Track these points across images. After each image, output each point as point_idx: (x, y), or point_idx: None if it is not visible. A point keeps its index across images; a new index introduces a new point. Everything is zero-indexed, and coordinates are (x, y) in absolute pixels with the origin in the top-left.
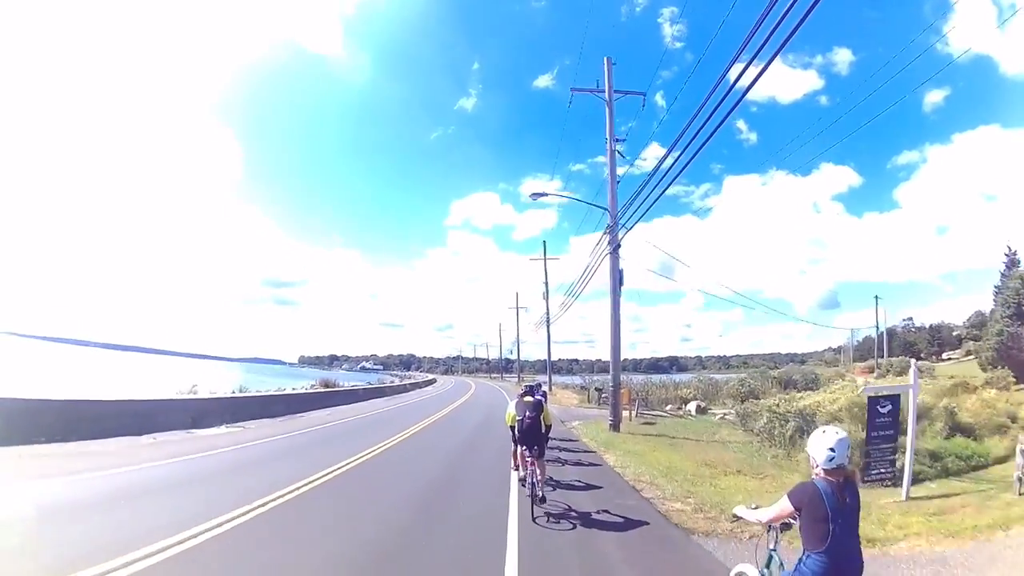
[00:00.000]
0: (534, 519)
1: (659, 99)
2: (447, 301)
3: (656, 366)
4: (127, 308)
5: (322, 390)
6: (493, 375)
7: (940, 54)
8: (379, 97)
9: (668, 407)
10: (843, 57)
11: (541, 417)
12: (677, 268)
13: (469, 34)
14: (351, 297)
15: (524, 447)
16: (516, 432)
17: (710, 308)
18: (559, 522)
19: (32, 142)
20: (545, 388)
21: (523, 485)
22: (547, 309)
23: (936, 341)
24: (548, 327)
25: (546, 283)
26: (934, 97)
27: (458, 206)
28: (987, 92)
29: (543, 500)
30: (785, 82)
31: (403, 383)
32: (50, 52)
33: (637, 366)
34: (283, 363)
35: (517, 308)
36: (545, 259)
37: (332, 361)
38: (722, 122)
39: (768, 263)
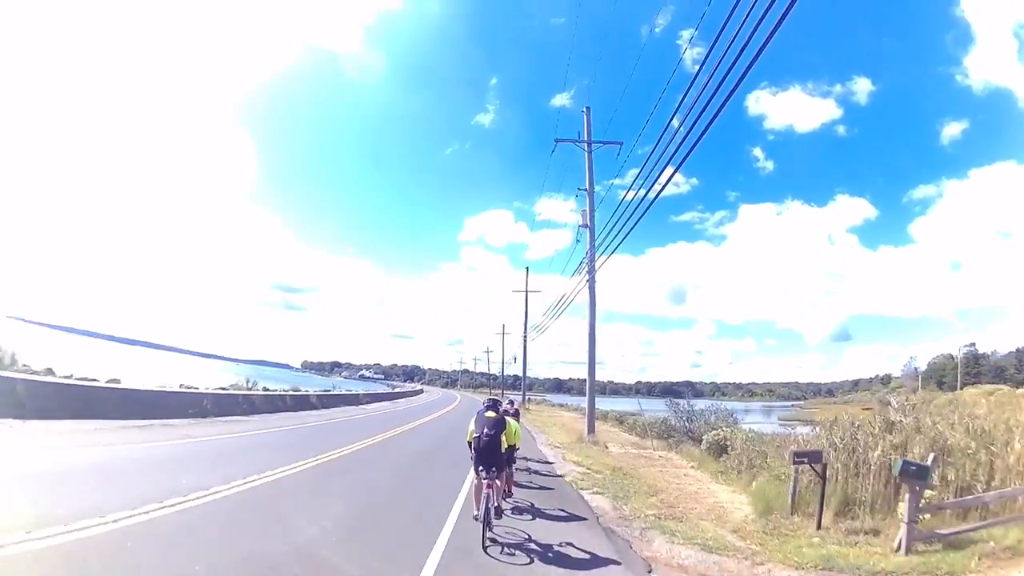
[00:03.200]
0: (485, 549)
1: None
2: (459, 316)
3: (671, 391)
4: (137, 304)
5: None
6: (493, 391)
7: (959, 86)
8: (396, 109)
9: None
10: (863, 86)
11: (503, 435)
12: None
13: (488, 49)
14: (361, 306)
15: (481, 467)
16: (472, 450)
17: (722, 335)
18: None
19: (54, 139)
20: (512, 405)
21: (476, 520)
22: (591, 245)
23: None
24: (592, 292)
25: (589, 192)
26: (952, 130)
27: (472, 222)
28: (1005, 127)
29: (499, 514)
30: (803, 111)
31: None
32: (72, 52)
33: (651, 390)
34: (290, 367)
35: (527, 289)
36: (590, 149)
37: (333, 368)
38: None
39: (781, 293)
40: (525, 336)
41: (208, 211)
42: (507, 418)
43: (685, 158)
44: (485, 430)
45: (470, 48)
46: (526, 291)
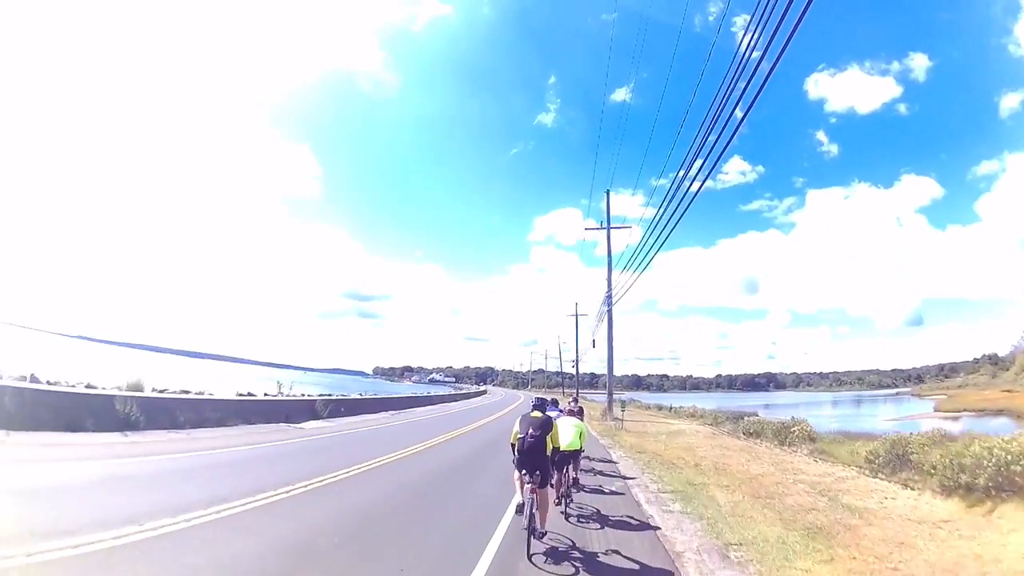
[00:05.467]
0: (530, 558)
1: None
2: (532, 316)
3: (752, 383)
4: (216, 320)
5: None
6: (567, 390)
7: (1013, 56)
8: (456, 113)
9: None
10: (920, 63)
11: (548, 438)
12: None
13: (544, 49)
14: (434, 311)
15: (524, 471)
16: (516, 452)
17: (795, 325)
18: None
19: (137, 161)
20: (575, 403)
21: (519, 514)
22: None
23: None
24: None
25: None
26: (1010, 102)
27: (541, 222)
28: None
29: (543, 535)
30: (863, 91)
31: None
32: (144, 85)
33: (732, 383)
34: (366, 374)
35: (608, 225)
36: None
37: (404, 372)
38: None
39: (852, 279)
40: (609, 294)
41: (278, 226)
42: (567, 419)
43: (734, 134)
44: (530, 431)
45: (526, 48)
46: (608, 225)
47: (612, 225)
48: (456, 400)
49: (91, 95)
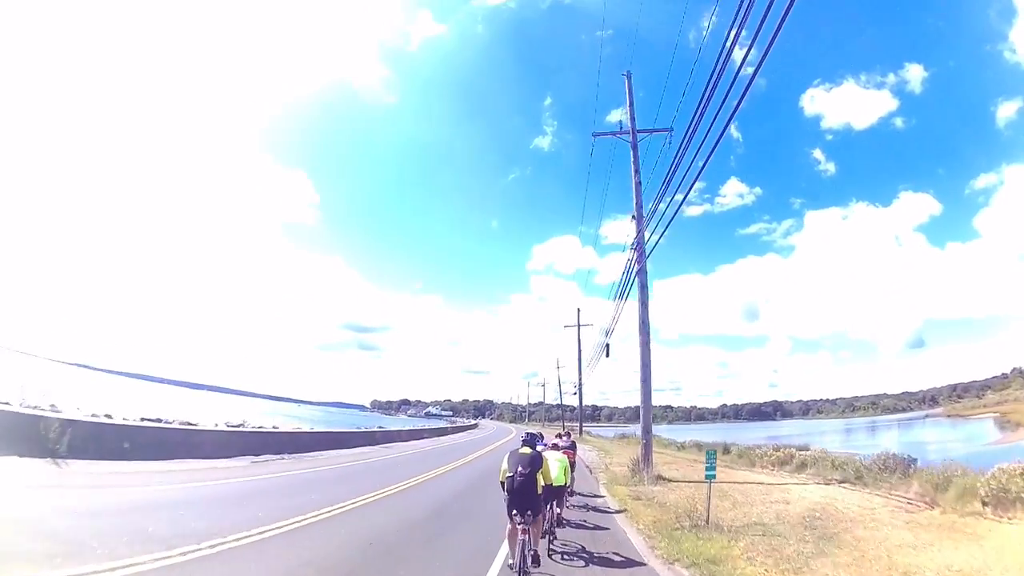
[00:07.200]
0: None
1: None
2: (532, 347)
3: (759, 412)
4: (215, 350)
5: None
6: (567, 424)
7: (1009, 63)
8: (455, 138)
9: None
10: (915, 73)
11: (538, 474)
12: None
13: (538, 69)
14: (433, 343)
15: (515, 511)
16: (505, 492)
17: (797, 351)
18: None
19: (130, 185)
20: (567, 438)
21: (511, 569)
22: None
23: None
24: None
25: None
26: (1006, 111)
27: (540, 250)
28: None
29: (536, 561)
30: (859, 106)
31: None
32: (138, 111)
33: (738, 413)
34: (364, 408)
35: (638, 180)
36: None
37: (400, 406)
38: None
39: (853, 302)
40: (640, 236)
41: (277, 255)
42: (551, 453)
43: (720, 137)
44: (519, 469)
45: (521, 68)
46: (632, 123)
47: (640, 128)
48: (423, 438)
49: (87, 112)
